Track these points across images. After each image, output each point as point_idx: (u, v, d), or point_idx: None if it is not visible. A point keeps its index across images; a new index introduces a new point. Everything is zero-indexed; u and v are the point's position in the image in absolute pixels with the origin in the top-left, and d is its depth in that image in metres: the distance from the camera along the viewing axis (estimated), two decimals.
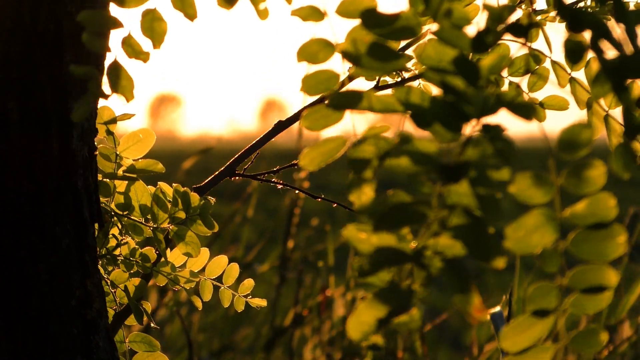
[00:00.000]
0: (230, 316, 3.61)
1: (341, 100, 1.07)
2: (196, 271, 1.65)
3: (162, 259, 1.62)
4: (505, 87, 1.61)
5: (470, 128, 1.01)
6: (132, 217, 1.59)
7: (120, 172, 1.58)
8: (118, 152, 1.59)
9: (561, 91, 1.58)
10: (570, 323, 3.16)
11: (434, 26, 1.06)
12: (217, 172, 1.70)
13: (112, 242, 1.60)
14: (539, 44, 1.59)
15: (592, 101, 1.50)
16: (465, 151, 1.00)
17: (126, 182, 1.58)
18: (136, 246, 1.61)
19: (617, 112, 1.48)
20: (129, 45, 1.32)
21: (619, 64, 1.02)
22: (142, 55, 1.33)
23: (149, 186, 1.60)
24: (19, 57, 1.42)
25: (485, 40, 1.04)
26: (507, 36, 1.07)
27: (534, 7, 1.55)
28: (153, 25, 1.35)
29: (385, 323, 0.97)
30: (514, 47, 1.51)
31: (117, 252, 1.60)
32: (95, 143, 1.51)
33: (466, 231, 0.99)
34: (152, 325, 1.63)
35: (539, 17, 1.58)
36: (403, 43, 1.59)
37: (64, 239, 1.45)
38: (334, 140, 1.09)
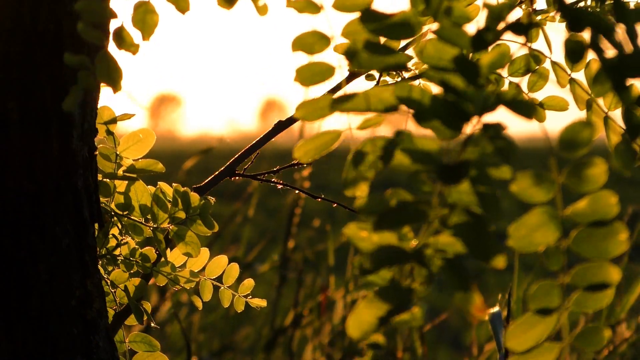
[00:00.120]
0: (231, 316, 3.61)
1: (342, 101, 1.07)
2: (196, 271, 1.65)
3: (162, 259, 1.62)
4: (505, 87, 1.61)
5: (471, 127, 1.01)
6: (132, 217, 1.59)
7: (120, 172, 1.58)
8: (118, 152, 1.59)
9: (561, 92, 1.58)
10: (570, 323, 3.16)
11: (434, 26, 1.06)
12: (217, 172, 1.70)
13: (112, 242, 1.60)
14: (538, 44, 1.59)
15: (592, 101, 1.50)
16: (465, 150, 1.00)
17: (126, 182, 1.58)
18: (136, 246, 1.61)
19: (617, 114, 1.48)
20: (121, 37, 1.31)
21: (619, 62, 1.02)
22: (132, 48, 1.32)
23: (149, 186, 1.60)
24: (19, 57, 1.42)
25: (485, 39, 1.04)
26: (507, 35, 1.07)
27: (534, 7, 1.55)
28: (145, 17, 1.35)
29: (385, 321, 0.97)
30: (514, 48, 1.51)
31: (117, 252, 1.60)
32: (95, 143, 1.51)
33: (466, 230, 0.99)
34: (152, 325, 1.63)
35: (539, 17, 1.58)
36: (403, 43, 1.59)
37: (64, 239, 1.45)
38: (328, 133, 1.09)
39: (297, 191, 1.77)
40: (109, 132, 1.57)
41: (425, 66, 1.05)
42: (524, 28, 1.06)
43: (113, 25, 1.32)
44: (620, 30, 1.03)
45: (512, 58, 1.56)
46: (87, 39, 1.26)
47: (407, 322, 1.01)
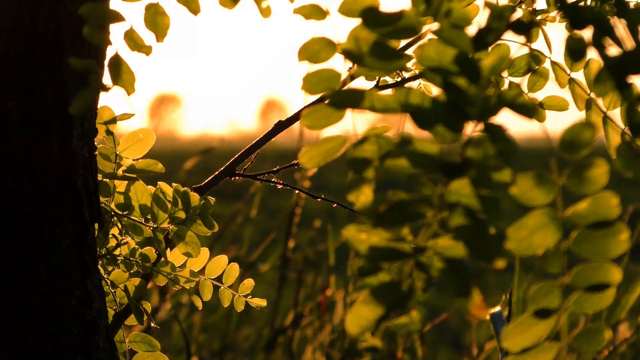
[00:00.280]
0: (231, 317, 3.61)
1: (342, 99, 1.07)
2: (196, 271, 1.65)
3: (162, 259, 1.62)
4: (505, 87, 1.61)
5: (472, 128, 1.01)
6: (132, 217, 1.59)
7: (120, 172, 1.58)
8: (118, 152, 1.59)
9: (561, 92, 1.58)
10: (569, 323, 3.16)
11: (434, 25, 1.06)
12: (217, 172, 1.70)
13: (112, 242, 1.60)
14: (538, 44, 1.59)
15: (592, 101, 1.50)
16: (466, 151, 1.00)
17: (126, 182, 1.58)
18: (136, 246, 1.61)
19: (616, 114, 1.48)
20: (131, 39, 1.32)
21: (621, 60, 1.02)
22: (144, 49, 1.33)
23: (149, 186, 1.60)
24: (19, 57, 1.42)
25: (486, 39, 1.04)
26: (507, 35, 1.07)
27: (534, 7, 1.55)
28: (156, 19, 1.36)
29: (384, 319, 0.97)
30: (514, 48, 1.51)
31: (117, 252, 1.60)
32: (95, 143, 1.51)
33: (467, 232, 0.99)
34: (152, 325, 1.63)
35: (538, 17, 1.58)
36: (403, 42, 1.59)
37: (64, 239, 1.45)
38: (333, 139, 1.08)
39: (297, 191, 1.77)
40: (109, 132, 1.58)
41: (425, 67, 1.05)
42: (525, 27, 1.06)
43: (116, 27, 1.32)
44: (622, 27, 1.03)
45: (512, 58, 1.56)
46: (93, 42, 1.27)
47: (406, 326, 1.01)
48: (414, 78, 1.67)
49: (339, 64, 1.11)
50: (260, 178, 1.71)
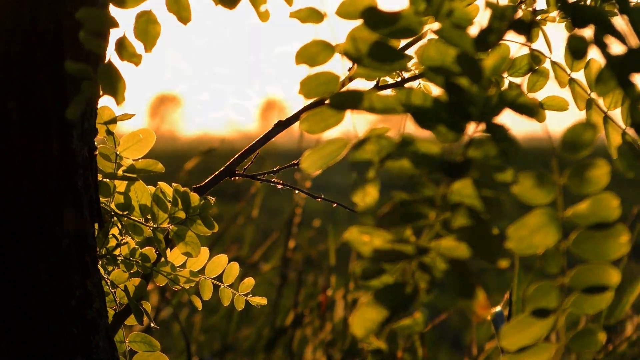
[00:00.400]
0: (232, 317, 3.61)
1: (342, 100, 1.06)
2: (196, 271, 1.65)
3: (162, 259, 1.62)
4: (505, 87, 1.61)
5: (473, 128, 1.01)
6: (132, 217, 1.59)
7: (120, 172, 1.58)
8: (118, 152, 1.59)
9: (561, 92, 1.58)
10: (570, 322, 3.16)
11: (435, 25, 1.05)
12: (217, 172, 1.70)
13: (112, 242, 1.60)
14: (538, 44, 1.59)
15: (593, 101, 1.50)
16: (468, 152, 1.00)
17: (126, 182, 1.58)
18: (136, 246, 1.61)
19: (616, 113, 1.49)
20: (123, 47, 1.31)
21: (624, 58, 1.02)
22: (134, 58, 1.32)
23: (149, 186, 1.60)
24: (19, 57, 1.42)
25: (488, 39, 1.04)
26: (508, 35, 1.07)
27: (534, 7, 1.55)
28: (147, 27, 1.35)
29: (389, 321, 0.97)
30: (514, 48, 1.51)
31: (117, 252, 1.60)
32: (95, 143, 1.51)
33: (470, 232, 0.98)
34: (152, 325, 1.63)
35: (538, 17, 1.58)
36: (403, 42, 1.59)
37: (64, 239, 1.45)
38: (334, 142, 1.08)
39: (297, 191, 1.77)
40: (109, 132, 1.58)
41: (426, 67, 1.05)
42: (527, 27, 1.06)
43: (114, 34, 1.32)
44: (625, 24, 1.03)
45: (513, 58, 1.56)
46: (89, 48, 1.26)
47: (410, 328, 1.01)
48: (414, 78, 1.67)
49: (337, 67, 1.10)
50: (260, 178, 1.71)
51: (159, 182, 1.60)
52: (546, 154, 1.04)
